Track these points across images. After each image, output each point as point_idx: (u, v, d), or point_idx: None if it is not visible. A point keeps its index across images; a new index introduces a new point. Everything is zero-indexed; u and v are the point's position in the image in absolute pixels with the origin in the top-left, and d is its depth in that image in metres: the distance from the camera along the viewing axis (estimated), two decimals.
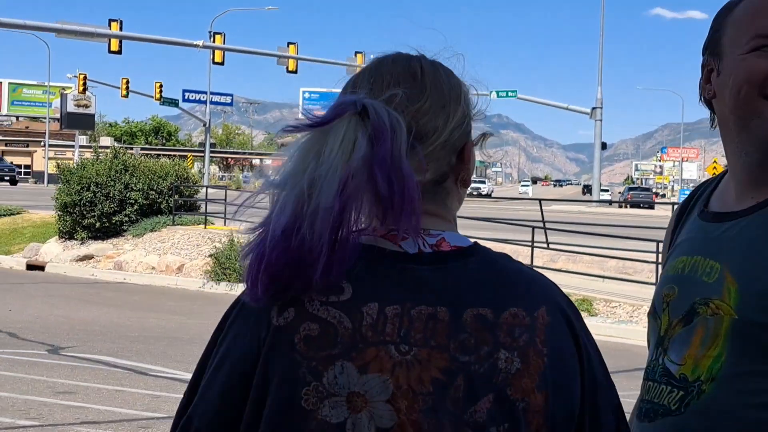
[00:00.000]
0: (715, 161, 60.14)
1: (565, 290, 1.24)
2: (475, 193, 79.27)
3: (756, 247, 1.51)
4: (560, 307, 1.26)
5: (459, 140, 1.30)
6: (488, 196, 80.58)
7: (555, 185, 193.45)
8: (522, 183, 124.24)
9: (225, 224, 21.98)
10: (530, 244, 16.86)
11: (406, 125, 1.20)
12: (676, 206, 2.02)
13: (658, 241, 15.28)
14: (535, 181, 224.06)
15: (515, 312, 1.21)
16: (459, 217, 1.31)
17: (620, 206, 53.33)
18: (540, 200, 20.61)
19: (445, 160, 1.28)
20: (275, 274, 1.16)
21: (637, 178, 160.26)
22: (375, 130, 1.17)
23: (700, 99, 1.72)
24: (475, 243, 1.31)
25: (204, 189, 25.74)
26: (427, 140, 1.25)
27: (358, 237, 1.21)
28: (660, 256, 12.23)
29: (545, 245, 17.83)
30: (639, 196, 61.79)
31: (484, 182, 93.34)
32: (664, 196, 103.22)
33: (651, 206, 53.38)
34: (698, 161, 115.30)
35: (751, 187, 1.60)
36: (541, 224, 18.20)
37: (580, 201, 44.44)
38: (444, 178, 1.29)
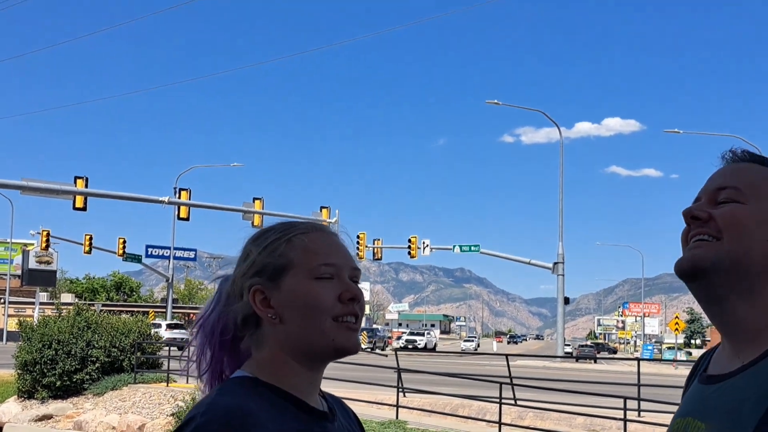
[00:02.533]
0: (677, 316, 60.62)
1: None
2: (410, 346, 74.72)
3: (736, 407, 1.52)
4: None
5: (245, 290, 1.65)
6: (428, 349, 75.83)
7: (510, 342, 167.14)
8: (465, 339, 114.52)
9: (187, 382, 21.63)
10: (498, 400, 16.72)
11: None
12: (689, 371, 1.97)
13: (625, 398, 15.25)
14: (497, 334, 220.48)
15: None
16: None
17: (576, 360, 55.42)
18: (507, 355, 20.56)
19: (243, 306, 1.64)
20: None
21: (600, 333, 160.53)
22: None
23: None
24: (232, 379, 1.62)
25: (167, 346, 25.42)
26: (231, 295, 1.69)
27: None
28: (626, 413, 12.06)
29: (513, 401, 17.69)
30: (584, 351, 69.51)
31: (422, 335, 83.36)
32: (615, 351, 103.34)
33: (594, 360, 57.70)
34: (660, 316, 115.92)
35: (734, 340, 1.63)
36: (508, 380, 18.12)
37: (545, 356, 44.42)
38: (252, 320, 1.64)
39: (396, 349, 31.39)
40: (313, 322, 1.60)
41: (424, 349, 75.03)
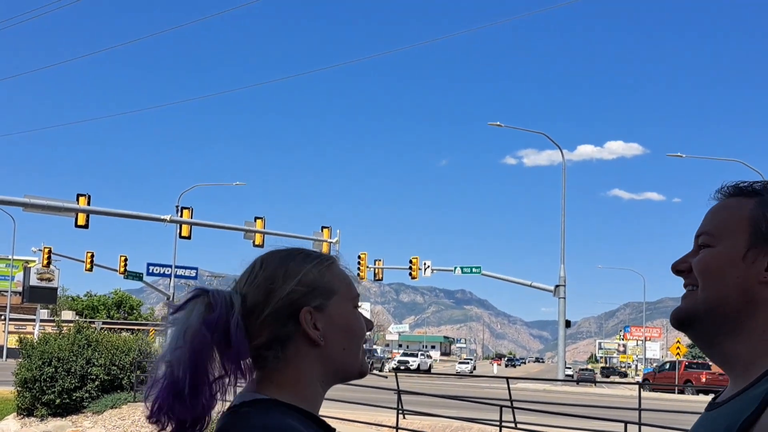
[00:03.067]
0: (678, 341, 60.41)
1: None
2: (402, 367, 70.69)
3: None
4: None
5: (289, 309, 1.63)
6: (421, 371, 71.65)
7: (507, 365, 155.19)
8: (460, 361, 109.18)
9: None
10: (498, 423, 16.66)
11: (242, 301, 1.63)
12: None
13: (626, 422, 15.21)
14: (497, 356, 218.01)
15: None
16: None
17: (576, 384, 55.52)
18: (507, 378, 20.51)
19: (278, 325, 1.63)
20: (181, 424, 1.59)
21: (601, 357, 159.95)
22: (212, 303, 1.60)
23: None
24: (254, 401, 1.59)
25: None
26: (256, 311, 1.63)
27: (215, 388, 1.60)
28: None
29: (513, 425, 17.63)
30: (584, 375, 75.30)
31: (415, 356, 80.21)
32: (625, 375, 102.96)
33: (594, 383, 58.46)
34: (661, 340, 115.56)
35: (733, 375, 1.67)
36: (508, 403, 18.06)
37: (545, 380, 44.32)
38: (284, 340, 1.63)
39: (394, 370, 31.28)
40: (354, 347, 1.69)
41: (417, 370, 71.89)
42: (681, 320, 1.70)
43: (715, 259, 1.68)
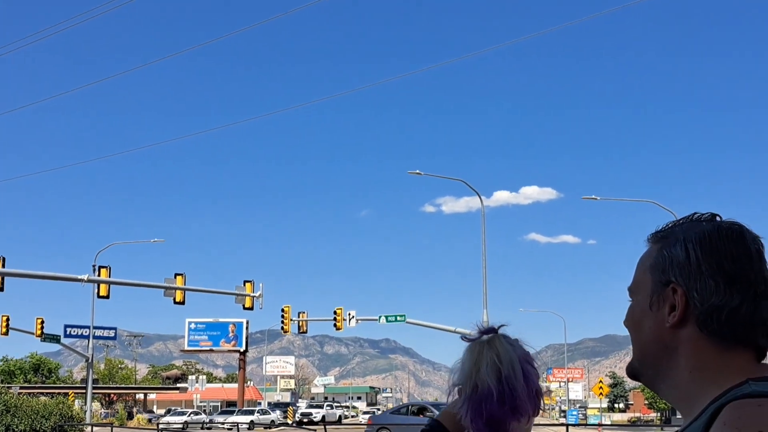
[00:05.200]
0: (600, 381, 61.32)
1: None
2: (305, 420, 67.91)
3: None
4: None
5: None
6: (328, 422, 61.58)
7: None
8: (364, 411, 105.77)
9: None
10: None
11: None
12: None
13: None
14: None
15: None
16: None
17: None
18: None
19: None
20: (494, 422, 2.37)
21: None
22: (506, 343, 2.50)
23: None
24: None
25: (89, 428, 24.83)
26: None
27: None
28: None
29: None
30: None
31: (320, 407, 76.53)
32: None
33: None
34: (583, 381, 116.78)
35: (683, 414, 1.74)
36: None
37: None
38: None
39: (297, 423, 30.73)
40: None
41: (322, 422, 61.84)
42: (629, 374, 1.81)
43: (632, 312, 1.78)
